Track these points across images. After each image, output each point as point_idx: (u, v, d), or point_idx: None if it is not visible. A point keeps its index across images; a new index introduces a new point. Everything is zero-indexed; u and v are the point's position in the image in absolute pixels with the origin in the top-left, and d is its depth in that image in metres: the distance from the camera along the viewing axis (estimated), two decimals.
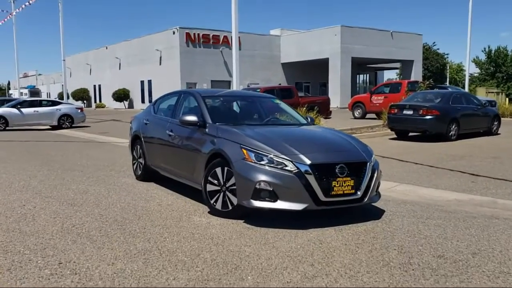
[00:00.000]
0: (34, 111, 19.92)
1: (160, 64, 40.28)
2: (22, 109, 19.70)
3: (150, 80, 41.66)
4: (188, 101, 6.64)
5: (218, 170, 5.12)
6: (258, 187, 4.66)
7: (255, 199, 4.69)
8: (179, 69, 37.54)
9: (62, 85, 34.65)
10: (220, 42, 39.20)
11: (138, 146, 7.43)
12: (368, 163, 5.03)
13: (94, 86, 52.03)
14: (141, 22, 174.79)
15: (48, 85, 70.63)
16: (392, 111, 13.88)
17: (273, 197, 4.65)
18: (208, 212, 5.33)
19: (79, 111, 21.26)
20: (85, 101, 50.88)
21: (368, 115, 23.26)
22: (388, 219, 5.13)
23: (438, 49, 59.40)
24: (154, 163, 6.97)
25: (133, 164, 7.69)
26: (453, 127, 13.25)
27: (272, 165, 4.70)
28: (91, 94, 52.47)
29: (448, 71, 63.11)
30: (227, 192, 5.04)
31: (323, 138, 5.58)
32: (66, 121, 20.38)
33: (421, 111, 13.04)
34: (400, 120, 13.59)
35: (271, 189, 4.63)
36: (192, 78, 37.49)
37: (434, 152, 11.02)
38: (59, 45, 30.61)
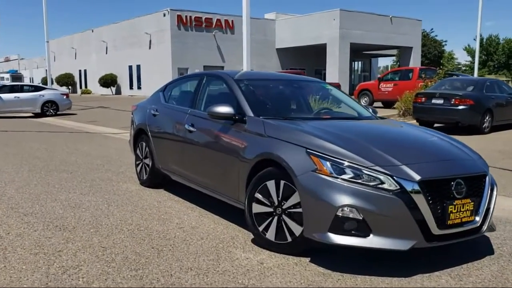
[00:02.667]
0: (15, 97, 17.99)
1: (149, 48, 38.19)
2: (1, 95, 17.70)
3: (139, 65, 39.59)
4: (214, 86, 5.06)
5: (270, 185, 3.59)
6: (340, 214, 3.13)
7: (336, 233, 3.16)
8: (170, 53, 35.51)
9: (46, 69, 32.49)
10: (213, 26, 37.26)
11: (144, 144, 5.85)
12: (487, 177, 3.55)
13: (80, 71, 49.64)
14: (129, 3, 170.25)
15: (31, 69, 67.86)
16: (419, 100, 12.41)
17: (364, 229, 3.12)
18: (252, 241, 3.82)
19: (65, 97, 19.38)
20: (70, 87, 48.54)
21: (375, 104, 21.86)
22: (507, 253, 3.67)
23: (436, 36, 57.88)
24: (165, 166, 5.41)
25: (137, 165, 6.11)
26: (487, 118, 11.87)
27: (360, 180, 3.17)
28: (76, 79, 50.06)
29: (442, 59, 61.88)
30: (284, 216, 3.53)
31: (420, 141, 4.01)
32: (50, 108, 18.52)
33: (454, 100, 11.60)
34: (428, 110, 12.12)
35: (361, 217, 3.11)
36: (184, 63, 35.52)
37: (476, 147, 9.57)
38: (42, 28, 28.39)
